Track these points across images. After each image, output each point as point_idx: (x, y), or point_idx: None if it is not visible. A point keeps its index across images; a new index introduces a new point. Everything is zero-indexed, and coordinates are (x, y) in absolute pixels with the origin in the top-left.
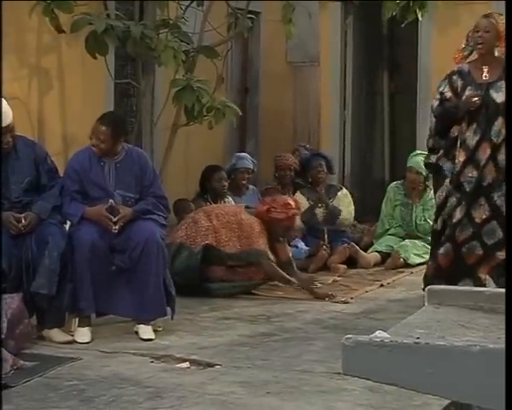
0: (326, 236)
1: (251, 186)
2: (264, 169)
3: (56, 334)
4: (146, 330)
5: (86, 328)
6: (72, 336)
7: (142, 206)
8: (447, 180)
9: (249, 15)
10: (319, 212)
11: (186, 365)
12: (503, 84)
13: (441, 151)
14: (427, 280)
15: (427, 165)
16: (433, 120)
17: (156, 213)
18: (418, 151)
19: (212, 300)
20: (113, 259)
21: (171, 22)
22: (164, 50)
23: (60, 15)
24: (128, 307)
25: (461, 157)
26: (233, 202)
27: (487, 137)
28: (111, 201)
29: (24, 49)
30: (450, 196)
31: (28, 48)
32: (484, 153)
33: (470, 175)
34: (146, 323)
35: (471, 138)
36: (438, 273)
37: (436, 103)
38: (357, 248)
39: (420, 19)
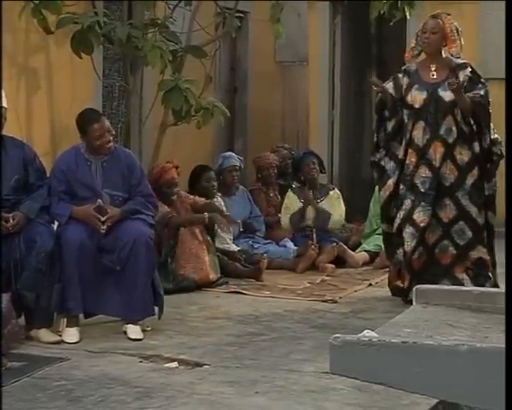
0: (314, 235)
1: (241, 187)
2: (252, 169)
3: (44, 334)
4: (134, 330)
5: (74, 328)
6: (61, 336)
7: (130, 206)
8: (390, 180)
9: (237, 15)
10: (309, 213)
11: (175, 364)
12: None
13: (383, 151)
14: (392, 286)
15: (371, 163)
16: (375, 116)
17: (145, 213)
18: None
19: (200, 299)
20: (101, 259)
21: (159, 22)
22: (151, 50)
23: (48, 16)
24: (116, 306)
25: (412, 158)
26: (222, 203)
27: (438, 136)
28: (99, 201)
29: (12, 49)
30: (404, 198)
31: (16, 48)
32: (435, 152)
33: (424, 175)
34: (134, 323)
35: (420, 137)
36: (414, 277)
37: (377, 99)
38: (346, 247)
39: (408, 17)
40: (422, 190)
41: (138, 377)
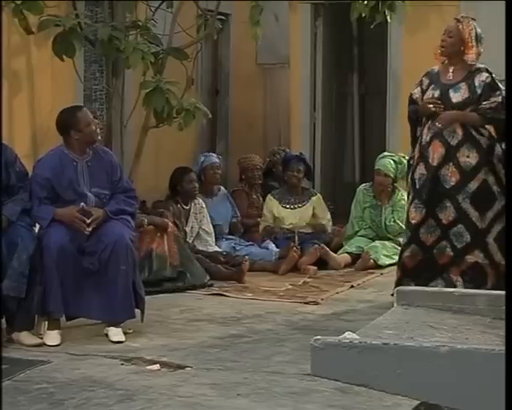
0: (296, 237)
1: (222, 188)
2: (234, 171)
3: (26, 337)
4: (116, 333)
5: (56, 331)
6: (42, 339)
7: (113, 206)
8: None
9: (219, 17)
10: (290, 217)
11: (156, 367)
12: (463, 85)
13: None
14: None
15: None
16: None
17: (127, 211)
18: (386, 153)
19: (182, 302)
20: (82, 261)
21: (140, 24)
22: (132, 52)
23: (29, 17)
24: (98, 309)
25: (417, 154)
26: (203, 204)
27: (439, 135)
28: (82, 204)
29: None
30: (409, 193)
31: None
32: (435, 151)
33: (421, 172)
34: (116, 325)
35: (426, 135)
36: (405, 274)
37: (408, 106)
38: (328, 249)
39: (389, 20)
40: (417, 187)
41: (120, 379)
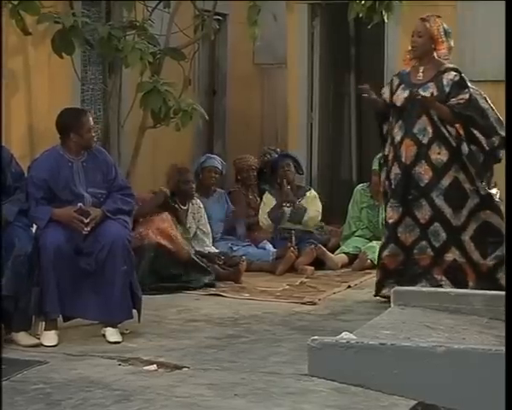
0: (293, 237)
1: (218, 189)
2: (232, 171)
3: (23, 337)
4: (113, 333)
5: (53, 331)
6: (39, 339)
7: (111, 205)
8: (382, 176)
9: (216, 17)
10: (286, 210)
11: (154, 367)
12: (432, 85)
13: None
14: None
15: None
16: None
17: (124, 210)
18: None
19: (179, 302)
20: (79, 262)
21: (137, 24)
22: (131, 52)
23: (26, 17)
24: (95, 309)
25: (390, 154)
26: (201, 204)
27: (410, 134)
28: (80, 204)
29: None
30: (386, 194)
31: None
32: (407, 150)
33: (395, 172)
34: (113, 325)
35: (397, 135)
36: (386, 275)
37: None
38: (325, 249)
39: (386, 20)
40: (393, 187)
41: (117, 380)
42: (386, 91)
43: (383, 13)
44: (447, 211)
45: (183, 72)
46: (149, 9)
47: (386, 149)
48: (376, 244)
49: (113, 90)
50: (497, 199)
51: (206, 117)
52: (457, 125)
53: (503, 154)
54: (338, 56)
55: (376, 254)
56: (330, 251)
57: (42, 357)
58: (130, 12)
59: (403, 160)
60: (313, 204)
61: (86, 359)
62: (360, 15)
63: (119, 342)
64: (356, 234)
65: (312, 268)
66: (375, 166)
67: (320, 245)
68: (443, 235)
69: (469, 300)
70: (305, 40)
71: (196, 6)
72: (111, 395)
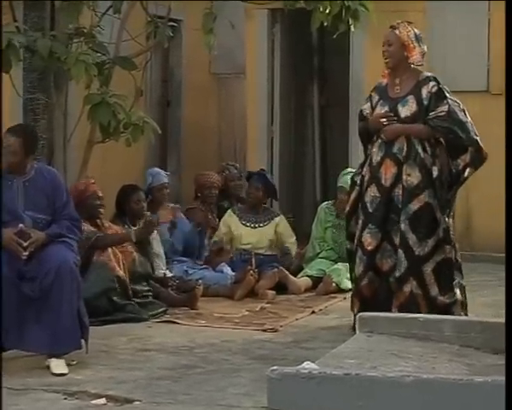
0: (253, 260)
1: (171, 204)
2: (187, 187)
3: None
4: (58, 364)
5: None
6: None
7: (55, 230)
8: (352, 195)
9: (170, 23)
10: (248, 237)
11: (102, 401)
12: (411, 98)
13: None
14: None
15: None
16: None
17: (69, 237)
18: (349, 169)
19: (130, 330)
20: (21, 288)
21: (85, 31)
22: (75, 64)
23: None
24: (39, 340)
25: (366, 175)
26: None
27: (390, 153)
28: (21, 225)
29: None
30: (359, 217)
31: None
32: (387, 171)
33: (372, 195)
34: (58, 356)
35: (376, 155)
36: (366, 308)
37: (358, 122)
38: (287, 272)
39: (352, 29)
40: (370, 211)
41: None
42: (366, 108)
43: (350, 21)
44: (410, 237)
45: (134, 82)
46: (98, 15)
47: (365, 169)
48: (342, 266)
49: (57, 102)
50: (451, 232)
51: (159, 131)
52: (435, 142)
53: (468, 173)
54: (300, 66)
55: (342, 277)
56: (293, 274)
57: None
58: (77, 18)
59: (382, 182)
60: (286, 230)
61: (29, 393)
62: (325, 24)
63: (64, 375)
64: (320, 256)
65: (274, 292)
66: (341, 183)
67: (282, 268)
68: (405, 263)
69: (439, 326)
70: (265, 48)
71: (148, 12)
72: None
